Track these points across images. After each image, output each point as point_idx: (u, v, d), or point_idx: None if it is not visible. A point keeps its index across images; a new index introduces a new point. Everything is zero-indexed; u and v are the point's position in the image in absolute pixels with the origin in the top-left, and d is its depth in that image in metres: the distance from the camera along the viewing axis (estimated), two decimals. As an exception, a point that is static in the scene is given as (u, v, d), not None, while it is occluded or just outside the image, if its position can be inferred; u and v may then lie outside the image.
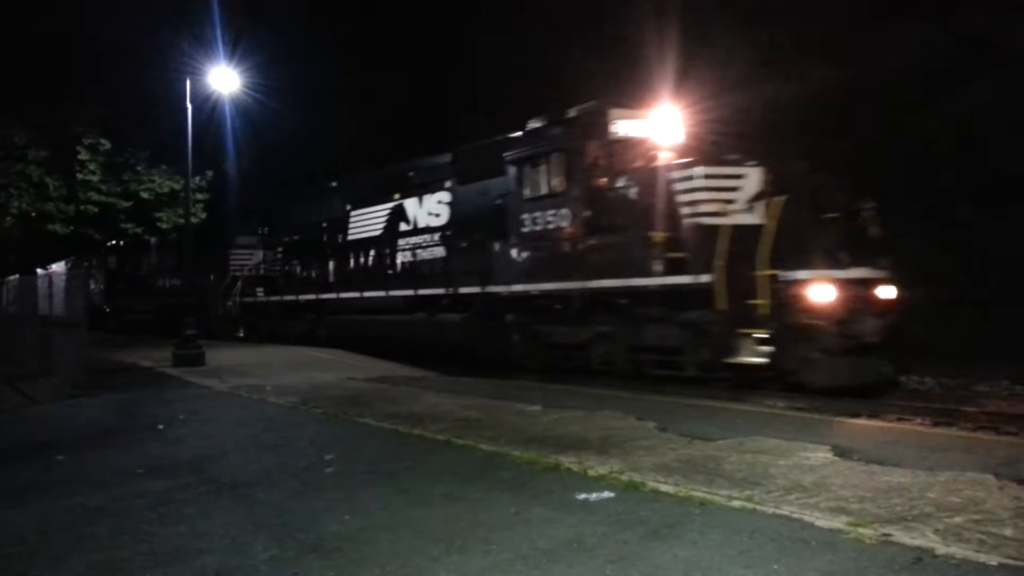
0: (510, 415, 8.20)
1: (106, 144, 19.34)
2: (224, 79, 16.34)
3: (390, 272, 16.69)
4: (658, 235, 10.60)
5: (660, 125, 12.04)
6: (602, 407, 8.31)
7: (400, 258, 16.49)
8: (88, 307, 33.17)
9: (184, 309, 16.33)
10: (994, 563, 3.57)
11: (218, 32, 17.46)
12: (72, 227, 20.49)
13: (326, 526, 4.50)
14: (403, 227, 16.43)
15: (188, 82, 15.45)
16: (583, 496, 4.92)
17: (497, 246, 13.50)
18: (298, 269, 21.04)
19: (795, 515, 4.35)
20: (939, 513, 4.30)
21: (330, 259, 19.24)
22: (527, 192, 12.86)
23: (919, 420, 7.77)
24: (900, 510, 4.39)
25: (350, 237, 18.41)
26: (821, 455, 5.81)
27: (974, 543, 3.82)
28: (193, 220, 17.84)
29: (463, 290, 14.32)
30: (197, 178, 19.41)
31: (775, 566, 3.65)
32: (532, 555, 3.91)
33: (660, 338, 10.99)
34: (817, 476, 5.20)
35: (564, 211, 12.15)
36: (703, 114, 12.37)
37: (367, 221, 17.77)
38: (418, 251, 15.96)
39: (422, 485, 5.36)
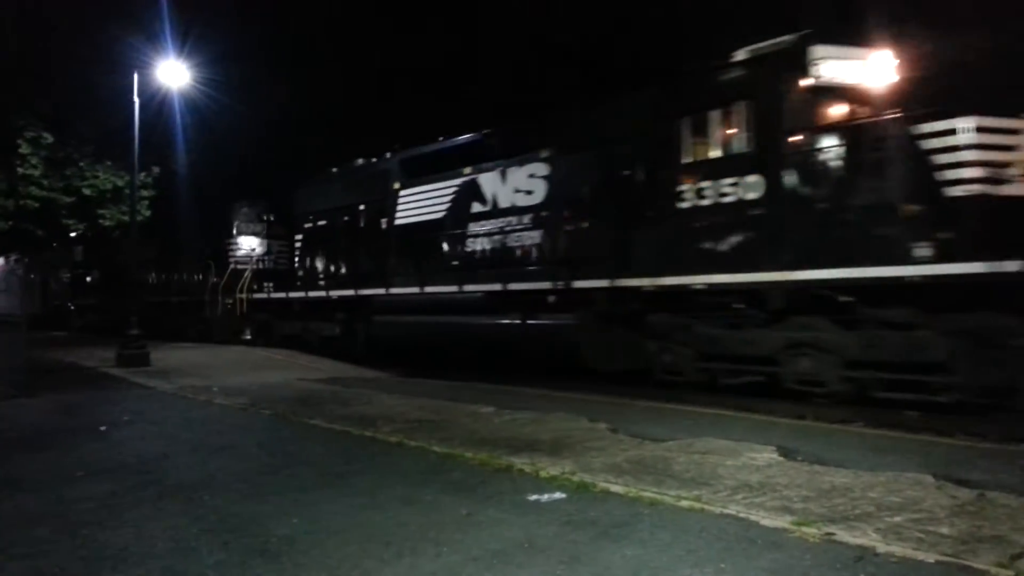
0: (463, 417, 8.20)
1: (48, 138, 18.79)
2: (173, 73, 16.04)
3: (455, 263, 13.91)
4: (911, 208, 8.04)
5: (881, 64, 9.05)
6: (555, 409, 8.38)
7: (473, 245, 13.67)
8: (46, 304, 31.88)
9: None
10: (931, 560, 3.68)
11: (167, 25, 17.09)
12: (11, 222, 19.85)
13: (274, 529, 4.43)
14: (477, 208, 13.62)
15: (136, 76, 15.15)
16: (535, 497, 4.95)
17: (633, 227, 10.77)
18: (323, 261, 17.95)
19: (742, 515, 4.43)
20: (880, 512, 4.42)
21: (371, 248, 16.25)
22: (686, 156, 10.09)
23: (860, 422, 7.94)
24: (843, 509, 4.50)
25: (399, 221, 15.46)
26: (767, 456, 5.93)
27: (913, 541, 3.93)
28: (138, 218, 17.41)
29: (579, 284, 11.46)
30: (143, 174, 18.91)
31: (722, 565, 3.72)
32: (483, 557, 3.92)
33: (909, 350, 8.26)
34: (763, 476, 5.31)
35: (750, 179, 9.40)
36: (945, 50, 8.92)
37: (425, 201, 14.90)
38: (501, 237, 13.16)
39: (373, 487, 5.33)
